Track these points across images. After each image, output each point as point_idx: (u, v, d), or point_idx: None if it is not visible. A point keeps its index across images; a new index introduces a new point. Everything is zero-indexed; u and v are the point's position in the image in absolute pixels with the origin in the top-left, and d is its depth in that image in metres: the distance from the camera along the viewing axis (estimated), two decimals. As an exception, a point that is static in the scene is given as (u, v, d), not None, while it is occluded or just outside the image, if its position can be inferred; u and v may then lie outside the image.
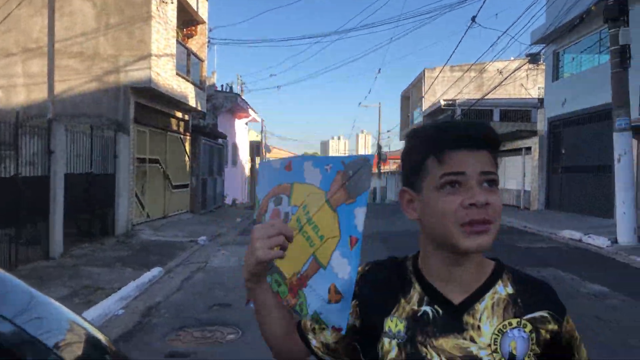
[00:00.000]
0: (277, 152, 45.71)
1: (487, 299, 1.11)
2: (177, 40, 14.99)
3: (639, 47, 12.22)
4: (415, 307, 1.13)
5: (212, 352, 5.14)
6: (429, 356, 1.09)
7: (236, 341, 5.47)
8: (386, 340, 1.13)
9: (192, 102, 16.53)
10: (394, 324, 1.14)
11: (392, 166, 51.33)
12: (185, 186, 18.09)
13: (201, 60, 18.19)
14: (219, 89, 24.78)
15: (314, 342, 1.23)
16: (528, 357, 1.07)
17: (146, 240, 11.88)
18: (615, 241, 11.30)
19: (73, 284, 7.38)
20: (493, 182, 1.06)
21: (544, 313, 1.09)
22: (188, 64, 16.34)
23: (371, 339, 1.16)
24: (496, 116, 29.48)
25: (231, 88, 26.94)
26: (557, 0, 15.16)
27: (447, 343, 1.08)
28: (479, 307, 1.10)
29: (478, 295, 1.11)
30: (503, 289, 1.12)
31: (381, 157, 47.25)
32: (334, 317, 1.14)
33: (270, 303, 1.23)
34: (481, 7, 14.91)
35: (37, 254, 9.04)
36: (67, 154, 9.94)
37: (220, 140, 22.80)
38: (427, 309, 1.12)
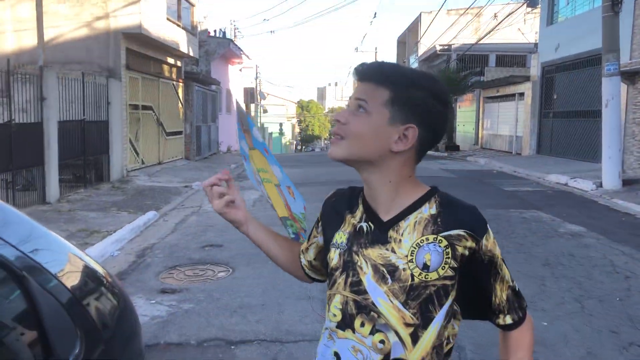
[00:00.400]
0: (272, 98, 45.46)
1: (411, 218, 1.27)
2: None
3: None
4: (356, 223, 1.33)
5: (202, 288, 5.44)
6: (359, 263, 1.28)
7: (226, 278, 5.77)
8: (332, 250, 1.35)
9: (183, 48, 16.43)
10: (339, 237, 1.35)
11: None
12: (179, 133, 18.19)
13: (192, 5, 17.94)
14: (212, 34, 24.48)
15: (302, 261, 1.53)
16: (442, 269, 1.23)
17: (141, 186, 12.12)
18: (600, 185, 11.56)
19: (70, 227, 7.64)
20: (361, 107, 1.26)
21: (460, 231, 1.24)
22: (179, 8, 16.16)
23: (325, 251, 1.40)
24: (492, 61, 29.26)
25: (224, 34, 26.61)
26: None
27: (373, 252, 1.27)
28: (403, 224, 1.27)
29: (404, 214, 1.28)
30: (427, 210, 1.28)
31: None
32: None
33: (263, 240, 1.57)
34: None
35: (34, 199, 9.27)
36: (59, 101, 10.03)
37: (213, 87, 22.73)
38: (364, 224, 1.32)
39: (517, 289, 1.35)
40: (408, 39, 40.07)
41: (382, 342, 1.24)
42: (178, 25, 15.81)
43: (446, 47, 29.04)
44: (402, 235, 1.26)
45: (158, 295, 5.19)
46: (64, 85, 10.33)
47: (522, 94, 20.38)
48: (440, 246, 1.23)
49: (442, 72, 25.56)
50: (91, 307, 1.89)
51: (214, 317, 4.65)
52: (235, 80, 29.49)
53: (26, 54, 11.63)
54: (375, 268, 1.26)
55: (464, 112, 27.82)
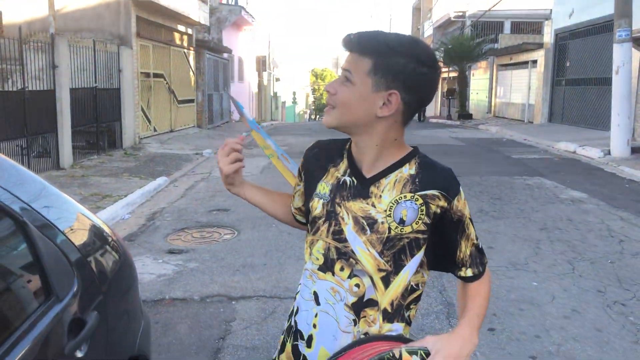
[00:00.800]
0: (285, 67, 45.25)
1: (392, 177, 1.38)
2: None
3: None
4: (340, 176, 1.44)
5: (208, 249, 5.66)
6: (341, 214, 1.40)
7: (231, 240, 5.99)
8: (316, 199, 1.46)
9: (194, 16, 16.45)
10: (322, 187, 1.46)
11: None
12: (191, 101, 18.34)
13: (203, -28, 17.87)
14: (223, 1, 24.37)
15: (292, 209, 1.65)
16: (416, 224, 1.36)
17: (152, 153, 12.35)
18: (608, 153, 11.55)
19: (82, 192, 7.90)
20: (347, 79, 1.34)
21: (435, 192, 1.36)
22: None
23: (308, 199, 1.50)
24: (507, 28, 28.78)
25: (236, 0, 26.45)
26: None
27: (355, 205, 1.39)
28: (384, 181, 1.38)
29: (386, 172, 1.39)
30: (407, 170, 1.39)
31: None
32: None
33: (259, 200, 1.70)
34: None
35: (49, 165, 9.54)
36: (71, 68, 10.20)
37: (225, 55, 22.75)
38: (347, 178, 1.42)
39: (480, 246, 1.47)
40: (423, 6, 39.48)
41: (357, 285, 1.39)
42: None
43: (460, 14, 28.61)
44: (382, 191, 1.37)
45: (165, 255, 5.42)
46: (76, 53, 10.49)
47: (535, 62, 20.16)
48: (416, 204, 1.35)
49: (456, 39, 25.26)
50: (93, 262, 2.08)
51: (217, 275, 4.87)
52: (248, 48, 29.42)
53: (38, 23, 11.77)
54: (355, 220, 1.38)
55: (478, 80, 27.56)
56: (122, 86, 12.51)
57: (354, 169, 1.42)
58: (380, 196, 1.37)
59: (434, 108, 33.70)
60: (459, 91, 25.76)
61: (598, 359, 3.36)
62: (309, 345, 1.45)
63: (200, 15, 17.27)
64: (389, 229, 1.36)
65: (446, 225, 1.39)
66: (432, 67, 1.34)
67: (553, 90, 18.98)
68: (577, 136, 14.46)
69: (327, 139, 1.57)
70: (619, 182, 9.08)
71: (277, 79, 41.07)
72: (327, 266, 1.42)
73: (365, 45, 1.31)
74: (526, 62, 20.98)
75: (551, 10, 21.15)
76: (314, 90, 73.63)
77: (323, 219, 1.43)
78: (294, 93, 54.20)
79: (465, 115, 24.81)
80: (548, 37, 19.13)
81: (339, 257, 1.40)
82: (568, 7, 17.49)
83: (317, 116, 65.89)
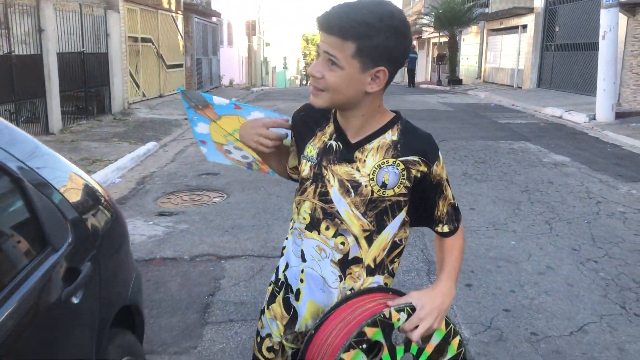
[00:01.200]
0: (276, 32, 44.73)
1: (375, 142, 1.46)
2: None
3: None
4: (326, 140, 1.51)
5: (198, 211, 5.79)
6: (327, 176, 1.49)
7: (221, 203, 6.12)
8: (304, 162, 1.54)
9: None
10: (309, 150, 1.53)
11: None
12: (180, 66, 18.22)
13: None
14: (212, -36, 23.93)
15: (287, 168, 1.73)
16: (398, 188, 1.46)
17: (142, 118, 12.36)
18: (593, 118, 11.70)
19: (72, 156, 7.96)
20: (332, 63, 1.35)
21: (415, 157, 1.44)
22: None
23: (298, 153, 1.60)
24: (498, -9, 28.55)
25: (224, -37, 25.96)
26: None
27: (340, 169, 1.47)
28: (368, 147, 1.46)
29: (370, 138, 1.46)
30: (390, 136, 1.46)
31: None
32: None
33: (271, 162, 1.77)
34: None
35: (38, 130, 9.55)
36: (57, 32, 10.12)
37: (214, 19, 22.49)
38: (333, 142, 1.50)
39: (456, 205, 1.60)
40: (414, -31, 38.93)
41: (342, 243, 1.51)
42: (175, -45, 15.56)
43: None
44: (366, 156, 1.45)
45: (156, 218, 5.55)
46: (62, 17, 10.39)
47: (525, 26, 20.12)
48: (397, 169, 1.44)
49: (446, 3, 25.06)
50: (87, 218, 2.19)
51: (206, 236, 5.02)
52: (237, 11, 29.04)
53: (23, -15, 11.59)
54: (341, 182, 1.47)
55: (468, 46, 27.47)
56: (109, 51, 12.43)
57: (340, 134, 1.49)
58: (365, 161, 1.45)
59: (424, 73, 33.60)
60: (449, 56, 25.69)
61: (568, 311, 3.55)
62: (297, 298, 1.57)
63: (188, -22, 17.04)
64: (372, 191, 1.45)
65: (426, 188, 1.50)
66: (409, 34, 1.39)
67: (542, 56, 19.03)
68: (564, 101, 14.59)
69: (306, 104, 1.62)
70: (602, 146, 9.26)
71: (268, 44, 40.65)
72: (313, 225, 1.51)
73: (346, 29, 1.31)
74: (516, 27, 20.93)
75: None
76: (305, 56, 72.97)
77: (310, 180, 1.51)
78: (285, 58, 53.73)
79: (455, 80, 24.81)
80: (539, 1, 19.06)
81: (324, 217, 1.49)
82: (559, -30, 17.41)
83: (308, 82, 65.51)
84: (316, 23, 1.39)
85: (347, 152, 1.47)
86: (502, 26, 22.45)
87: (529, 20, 19.54)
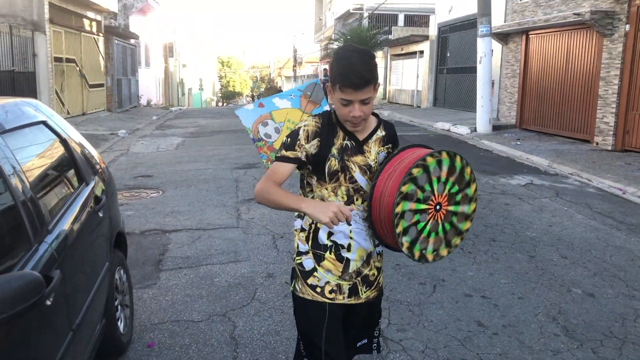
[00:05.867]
0: (192, 54, 45.42)
1: (374, 137, 2.14)
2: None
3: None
4: (341, 141, 2.09)
5: (140, 203, 6.89)
6: (350, 166, 2.08)
7: (158, 197, 7.24)
8: (332, 159, 2.08)
9: (103, 2, 17.05)
10: (334, 151, 2.09)
11: (307, 70, 52.26)
12: (101, 85, 18.89)
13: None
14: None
15: (302, 157, 2.07)
16: (384, 159, 2.12)
17: (70, 133, 13.06)
18: (474, 130, 13.73)
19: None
20: (367, 100, 1.98)
21: (390, 146, 2.18)
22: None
23: (321, 160, 2.08)
24: (401, 21, 31.17)
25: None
26: None
27: (357, 159, 2.10)
28: (370, 141, 2.13)
29: (370, 136, 2.13)
30: (380, 133, 2.16)
31: (296, 60, 48.25)
32: None
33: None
34: None
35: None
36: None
37: (132, 41, 23.24)
38: (347, 142, 2.10)
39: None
40: (324, -3, 41.21)
41: (363, 202, 2.13)
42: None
43: (359, 7, 30.61)
44: (370, 148, 2.12)
45: (104, 207, 6.60)
46: (-7, 37, 11.07)
47: (422, 52, 22.42)
48: (385, 152, 2.16)
49: (354, 30, 27.19)
50: (100, 167, 3.35)
51: (151, 218, 6.16)
52: (154, 34, 29.79)
53: (-50, 7, 12.10)
54: (360, 167, 2.09)
55: (375, 69, 29.68)
56: (37, 70, 13.11)
57: (351, 136, 2.09)
58: (370, 151, 2.12)
59: (336, 95, 35.61)
60: (358, 78, 27.67)
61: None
62: (348, 250, 2.12)
63: (109, 1, 17.86)
64: (375, 167, 2.12)
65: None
66: None
67: (437, 78, 21.33)
68: (453, 117, 16.70)
69: (316, 117, 2.13)
70: (476, 151, 11.15)
71: (184, 65, 41.33)
72: (350, 200, 2.10)
73: (371, 79, 1.96)
74: (415, 53, 23.23)
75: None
76: (220, 78, 73.71)
77: (340, 171, 2.07)
78: (201, 80, 54.32)
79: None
80: (433, 30, 21.42)
81: (354, 193, 2.10)
82: (448, 3, 19.79)
83: (225, 103, 66.23)
84: (343, 84, 1.94)
85: (359, 147, 2.10)
86: (403, 52, 24.75)
87: (425, 46, 21.85)
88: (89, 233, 2.87)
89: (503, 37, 15.04)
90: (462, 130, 14.01)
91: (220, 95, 71.03)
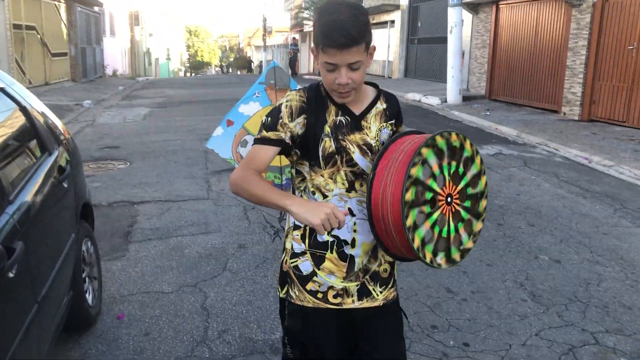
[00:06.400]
0: (159, 23, 44.35)
1: (373, 111, 1.81)
2: None
3: None
4: (334, 117, 1.77)
5: (107, 175, 6.75)
6: (347, 146, 1.75)
7: (126, 169, 7.10)
8: (326, 140, 1.75)
9: (64, -32, 16.41)
10: (327, 129, 1.76)
11: (277, 39, 51.51)
12: (65, 54, 18.30)
13: None
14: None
15: (286, 139, 1.74)
16: (388, 137, 1.82)
17: (32, 104, 12.67)
18: (445, 100, 13.78)
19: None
20: (355, 66, 1.65)
21: (393, 122, 1.85)
22: None
23: (312, 141, 1.75)
24: (371, -10, 30.86)
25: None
26: None
27: (355, 137, 1.77)
28: (369, 116, 1.80)
29: (368, 109, 1.81)
30: (380, 105, 1.83)
31: (266, 29, 47.47)
32: None
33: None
34: None
35: None
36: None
37: (96, 9, 22.51)
38: (341, 118, 1.77)
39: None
40: (294, -35, 40.47)
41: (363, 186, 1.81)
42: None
43: (329, -25, 30.17)
44: (370, 123, 1.80)
45: (70, 179, 6.44)
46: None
47: (393, 22, 22.28)
48: (388, 128, 1.84)
49: (324, -1, 26.87)
50: (65, 137, 3.25)
51: (119, 190, 6.04)
52: (119, 2, 28.89)
53: None
54: (359, 147, 1.76)
55: (345, 39, 29.47)
56: (-5, 37, 12.60)
57: (345, 110, 1.78)
58: (370, 127, 1.80)
59: (307, 65, 35.33)
60: (328, 49, 27.50)
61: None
62: (352, 245, 1.80)
63: (71, -33, 17.20)
64: (376, 147, 1.79)
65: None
66: None
67: (408, 48, 21.27)
68: (424, 88, 16.73)
69: (300, 91, 1.80)
70: (446, 122, 11.23)
71: (150, 35, 40.34)
72: (351, 187, 1.78)
73: (360, 37, 1.62)
74: (386, 22, 23.07)
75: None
76: (188, 47, 72.30)
77: (335, 153, 1.75)
78: (168, 50, 53.20)
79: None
80: (403, -1, 21.28)
81: (355, 178, 1.78)
82: (419, -27, 19.64)
83: (192, 73, 65.09)
84: (326, 43, 1.62)
85: (355, 123, 1.78)
86: (374, 21, 24.53)
87: (396, 16, 21.71)
88: (54, 204, 2.79)
89: (474, 7, 15.02)
90: (433, 101, 14.05)
91: (188, 65, 69.77)
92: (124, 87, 19.72)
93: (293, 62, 27.86)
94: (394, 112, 1.87)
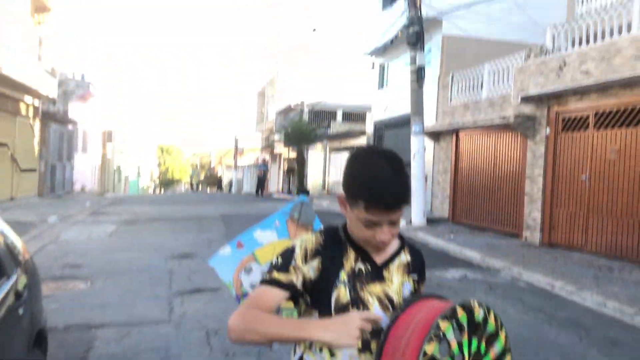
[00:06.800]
0: (131, 142, 45.20)
1: (396, 262, 1.69)
2: (28, 26, 15.39)
3: (429, 70, 15.21)
4: (353, 264, 1.62)
5: (65, 295, 6.53)
6: (366, 297, 1.60)
7: (86, 289, 6.90)
8: (341, 287, 1.59)
9: (43, 90, 16.92)
10: (343, 275, 1.61)
11: (249, 159, 52.68)
12: (34, 170, 18.33)
13: (52, 47, 18.50)
14: (71, 76, 24.73)
15: (298, 284, 1.58)
16: (410, 294, 1.69)
17: (-5, 219, 12.43)
18: (410, 222, 14.06)
19: None
20: (397, 219, 1.57)
21: (415, 275, 1.72)
22: (39, 50, 16.72)
23: (325, 289, 1.59)
24: (339, 116, 32.44)
25: (83, 76, 26.85)
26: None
27: (375, 288, 1.62)
28: (392, 266, 1.67)
29: (391, 259, 1.68)
30: (404, 257, 1.72)
31: (237, 150, 48.79)
32: None
33: None
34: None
35: None
36: None
37: (70, 127, 22.96)
38: (361, 265, 1.63)
39: None
40: (266, 92, 42.60)
41: None
42: (37, 67, 16.34)
43: (299, 103, 31.77)
44: (392, 275, 1.67)
45: (26, 300, 6.20)
46: None
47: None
48: (410, 283, 1.70)
49: (295, 123, 28.04)
50: (24, 259, 3.21)
51: (77, 312, 5.83)
52: (93, 120, 29.58)
53: None
54: (380, 300, 1.62)
55: (314, 161, 30.48)
56: (-35, 153, 12.62)
57: (366, 257, 1.64)
58: (392, 279, 1.66)
59: (276, 184, 36.00)
60: (297, 170, 28.33)
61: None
62: None
63: (49, 88, 17.74)
64: (398, 303, 1.64)
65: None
66: None
67: (374, 172, 21.97)
68: (390, 210, 17.06)
69: (318, 235, 1.66)
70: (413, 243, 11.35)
71: (122, 152, 40.96)
72: (365, 347, 1.57)
73: (409, 196, 1.58)
74: (353, 147, 24.03)
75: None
76: (159, 165, 73.22)
77: (352, 304, 1.58)
78: (139, 167, 53.79)
79: (303, 191, 27.23)
80: (369, 126, 22.36)
81: (372, 337, 1.57)
82: (384, 102, 20.84)
83: (162, 190, 65.37)
84: (372, 203, 1.51)
85: (376, 273, 1.64)
86: (341, 145, 25.56)
87: (363, 141, 22.69)
88: (6, 332, 2.69)
89: (435, 135, 15.85)
90: (399, 223, 14.29)
91: (158, 181, 70.23)
92: (91, 202, 19.61)
93: (262, 181, 28.40)
94: (418, 266, 1.74)
